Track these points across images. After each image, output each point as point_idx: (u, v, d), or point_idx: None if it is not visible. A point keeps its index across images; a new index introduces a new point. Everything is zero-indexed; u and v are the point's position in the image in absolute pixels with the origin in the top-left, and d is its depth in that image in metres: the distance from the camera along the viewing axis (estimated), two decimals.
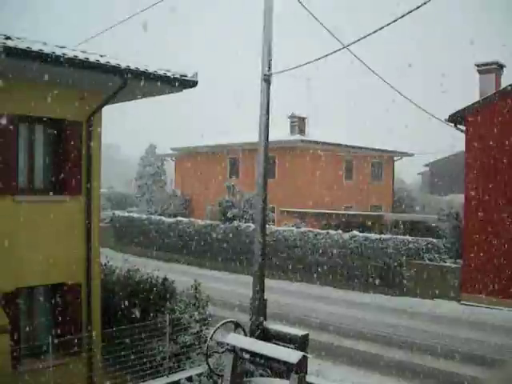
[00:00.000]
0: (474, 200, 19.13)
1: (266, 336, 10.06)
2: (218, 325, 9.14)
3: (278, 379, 8.63)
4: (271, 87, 11.04)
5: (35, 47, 8.11)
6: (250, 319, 10.72)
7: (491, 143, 18.68)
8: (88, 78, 9.11)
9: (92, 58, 8.79)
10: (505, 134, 18.35)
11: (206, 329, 10.92)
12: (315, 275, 22.74)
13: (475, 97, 19.67)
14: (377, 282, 20.97)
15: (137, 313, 10.27)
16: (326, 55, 10.09)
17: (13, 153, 9.00)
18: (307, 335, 9.60)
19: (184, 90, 10.67)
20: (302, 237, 23.37)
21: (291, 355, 7.60)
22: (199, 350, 10.61)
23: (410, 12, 8.24)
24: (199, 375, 9.99)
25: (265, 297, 11.00)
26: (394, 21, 8.56)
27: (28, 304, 9.44)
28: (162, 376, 9.86)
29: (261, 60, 10.99)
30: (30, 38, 8.46)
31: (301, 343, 9.34)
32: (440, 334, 15.10)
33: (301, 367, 7.43)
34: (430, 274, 19.71)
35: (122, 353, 9.53)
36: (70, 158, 9.72)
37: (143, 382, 9.60)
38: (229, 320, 9.64)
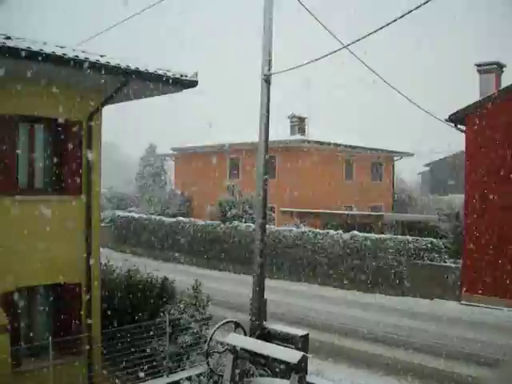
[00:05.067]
0: (474, 200, 19.12)
1: (266, 336, 10.07)
2: (218, 325, 9.15)
3: (278, 379, 8.64)
4: (271, 87, 11.06)
5: (35, 47, 8.11)
6: (250, 319, 10.73)
7: (491, 143, 18.68)
8: (88, 77, 9.11)
9: (92, 58, 8.79)
10: (505, 134, 18.35)
11: (206, 329, 10.92)
12: (315, 275, 22.75)
13: (475, 97, 19.68)
14: (377, 282, 20.96)
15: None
16: (326, 55, 10.11)
17: (13, 153, 9.00)
18: (307, 335, 9.61)
19: (184, 90, 10.67)
20: (302, 237, 23.37)
21: (291, 355, 7.61)
22: (199, 350, 10.60)
23: (410, 12, 8.25)
24: (199, 375, 9.99)
25: (265, 297, 11.02)
26: (394, 20, 8.58)
27: (28, 304, 9.44)
28: (162, 376, 9.87)
29: (261, 60, 11.01)
30: (31, 38, 8.46)
31: (301, 343, 9.35)
32: (440, 333, 15.10)
33: (301, 367, 7.44)
34: (430, 274, 19.71)
35: (122, 353, 9.53)
36: (70, 158, 9.72)
37: (143, 382, 9.60)
38: (229, 320, 9.65)
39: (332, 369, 11.96)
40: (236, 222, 26.18)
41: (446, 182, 41.81)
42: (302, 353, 7.70)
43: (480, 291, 18.43)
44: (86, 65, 8.65)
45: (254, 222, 12.84)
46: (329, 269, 22.39)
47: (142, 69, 9.45)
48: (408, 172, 48.90)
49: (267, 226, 13.36)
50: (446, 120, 19.41)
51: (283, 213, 28.60)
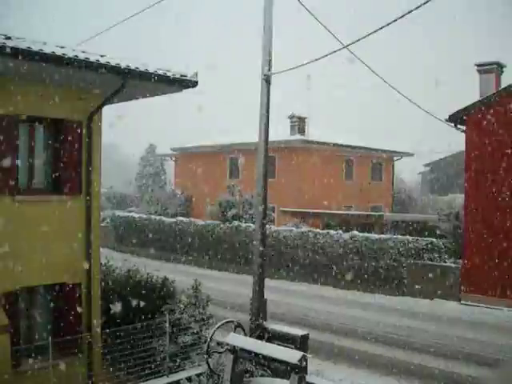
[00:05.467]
0: (474, 200, 19.13)
1: (266, 336, 10.08)
2: (218, 325, 9.15)
3: (278, 379, 8.64)
4: (271, 87, 11.07)
5: (35, 47, 8.11)
6: (250, 319, 10.74)
7: (491, 143, 18.69)
8: (88, 77, 9.11)
9: (92, 58, 8.78)
10: (505, 134, 18.35)
11: (206, 329, 10.92)
12: (315, 275, 22.75)
13: (475, 97, 19.68)
14: (377, 282, 20.97)
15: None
16: (326, 55, 10.12)
17: (13, 153, 9.00)
18: (307, 335, 9.62)
19: (184, 90, 10.66)
20: (302, 237, 23.37)
21: (291, 355, 7.60)
22: (199, 350, 10.60)
23: (410, 12, 8.25)
24: (199, 375, 9.99)
25: (265, 297, 11.03)
26: (394, 20, 8.58)
27: (28, 304, 9.44)
28: (162, 376, 9.86)
29: (261, 60, 11.03)
30: (31, 38, 8.46)
31: (301, 343, 9.36)
32: (440, 333, 15.10)
33: (301, 367, 7.43)
34: (430, 274, 19.70)
35: (122, 353, 9.53)
36: (70, 158, 9.72)
37: (143, 382, 9.60)
38: (229, 320, 9.64)
39: (332, 369, 11.97)
40: (236, 222, 26.18)
41: (445, 182, 41.78)
42: (302, 353, 7.69)
43: (480, 291, 18.43)
44: (86, 65, 8.64)
45: (254, 222, 12.85)
46: (329, 269, 22.38)
47: (141, 69, 9.44)
48: (408, 172, 48.89)
49: (267, 226, 13.37)
50: (446, 120, 19.41)
51: (283, 213, 28.60)
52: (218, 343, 9.92)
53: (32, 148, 9.51)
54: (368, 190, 32.87)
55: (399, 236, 21.61)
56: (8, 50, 7.72)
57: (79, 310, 9.75)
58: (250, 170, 28.21)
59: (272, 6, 10.87)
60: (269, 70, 10.91)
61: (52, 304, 9.67)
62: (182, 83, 10.19)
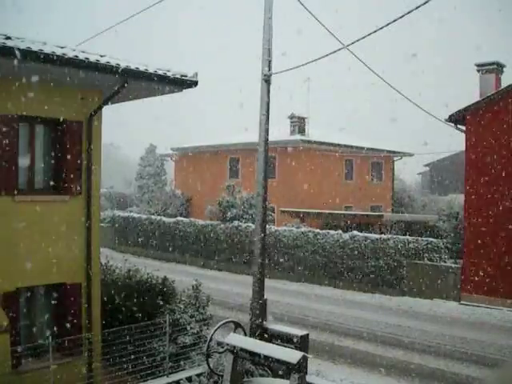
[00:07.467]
0: (474, 200, 19.13)
1: (266, 336, 10.08)
2: (218, 325, 9.15)
3: (278, 379, 8.65)
4: (271, 87, 11.08)
5: (35, 47, 8.11)
6: (250, 319, 10.74)
7: (491, 143, 18.69)
8: (88, 77, 9.11)
9: (92, 58, 8.78)
10: (505, 134, 18.35)
11: (207, 329, 10.93)
12: (315, 275, 22.75)
13: (475, 97, 19.68)
14: (377, 282, 20.97)
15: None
16: (326, 55, 10.12)
17: (13, 153, 9.00)
18: (307, 335, 9.63)
19: (184, 90, 10.66)
20: (302, 237, 23.37)
21: (291, 355, 7.61)
22: (199, 350, 10.60)
23: (410, 12, 8.25)
24: (199, 375, 9.99)
25: (265, 297, 11.02)
26: (394, 20, 8.58)
27: (28, 304, 9.44)
28: (162, 376, 9.86)
29: (261, 60, 11.03)
30: (30, 38, 8.46)
31: (301, 343, 9.37)
32: (440, 333, 15.11)
33: (301, 367, 7.44)
34: (430, 274, 19.71)
35: (122, 353, 9.53)
36: (70, 158, 9.71)
37: (143, 382, 9.60)
38: (229, 320, 9.65)
39: (332, 369, 11.97)
40: (236, 222, 26.18)
41: (446, 182, 41.78)
42: (302, 353, 7.70)
43: (480, 291, 18.43)
44: (86, 65, 8.64)
45: (254, 222, 12.86)
46: (329, 269, 22.39)
47: (141, 69, 9.44)
48: (408, 172, 48.83)
49: (267, 226, 13.36)
50: (446, 120, 19.42)
51: (283, 213, 28.59)
52: (218, 343, 9.94)
53: (32, 148, 9.51)
54: (368, 190, 32.87)
55: (399, 236, 21.62)
56: (8, 50, 7.73)
57: (79, 310, 9.75)
58: (250, 169, 28.26)
59: (272, 6, 10.87)
60: (269, 70, 10.91)
61: (52, 304, 9.66)
62: (182, 83, 10.20)
